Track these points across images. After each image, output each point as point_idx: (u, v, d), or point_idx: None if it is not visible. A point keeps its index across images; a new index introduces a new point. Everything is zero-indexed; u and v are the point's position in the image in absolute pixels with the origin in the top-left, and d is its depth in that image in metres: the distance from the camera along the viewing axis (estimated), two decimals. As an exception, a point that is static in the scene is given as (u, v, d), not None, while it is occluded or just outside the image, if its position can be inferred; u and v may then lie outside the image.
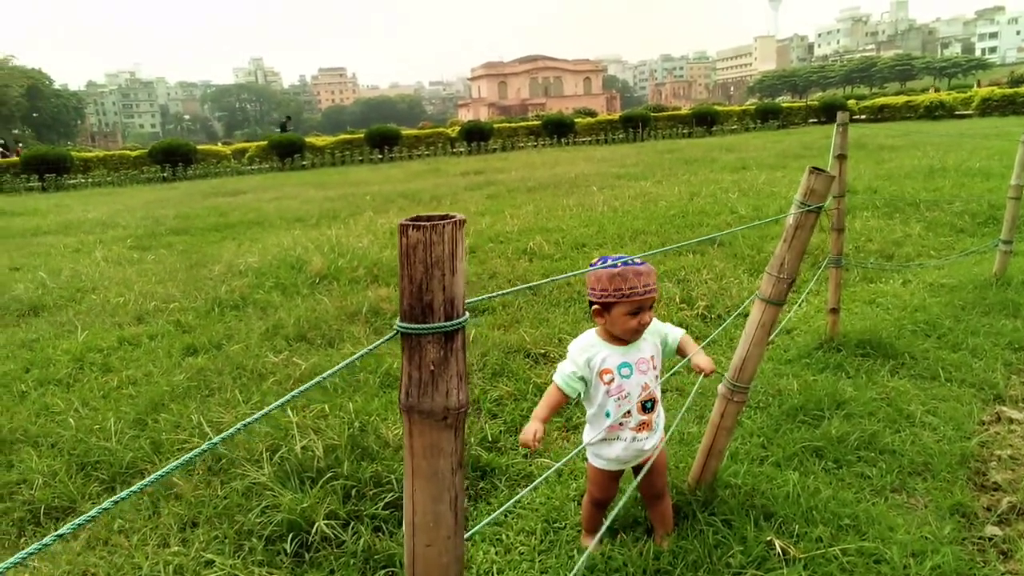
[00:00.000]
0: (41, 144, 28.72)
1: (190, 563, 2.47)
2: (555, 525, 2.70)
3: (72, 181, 23.28)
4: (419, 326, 0.93)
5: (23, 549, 2.65)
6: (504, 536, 2.67)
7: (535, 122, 34.94)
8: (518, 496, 2.59)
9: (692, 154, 19.49)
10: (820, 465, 2.98)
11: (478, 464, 3.12)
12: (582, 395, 2.29)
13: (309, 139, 29.97)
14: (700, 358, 2.30)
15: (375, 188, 15.19)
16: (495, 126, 32.84)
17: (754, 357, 2.55)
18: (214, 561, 2.43)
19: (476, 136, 30.40)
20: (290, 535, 2.52)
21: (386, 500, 2.71)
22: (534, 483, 2.14)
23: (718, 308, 5.30)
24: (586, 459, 2.43)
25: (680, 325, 4.95)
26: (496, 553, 2.58)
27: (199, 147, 27.76)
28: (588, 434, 2.37)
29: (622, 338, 2.23)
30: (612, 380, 2.22)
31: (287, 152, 26.72)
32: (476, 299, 1.06)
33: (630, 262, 2.16)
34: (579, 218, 9.08)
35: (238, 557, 2.49)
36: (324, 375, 1.06)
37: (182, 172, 24.44)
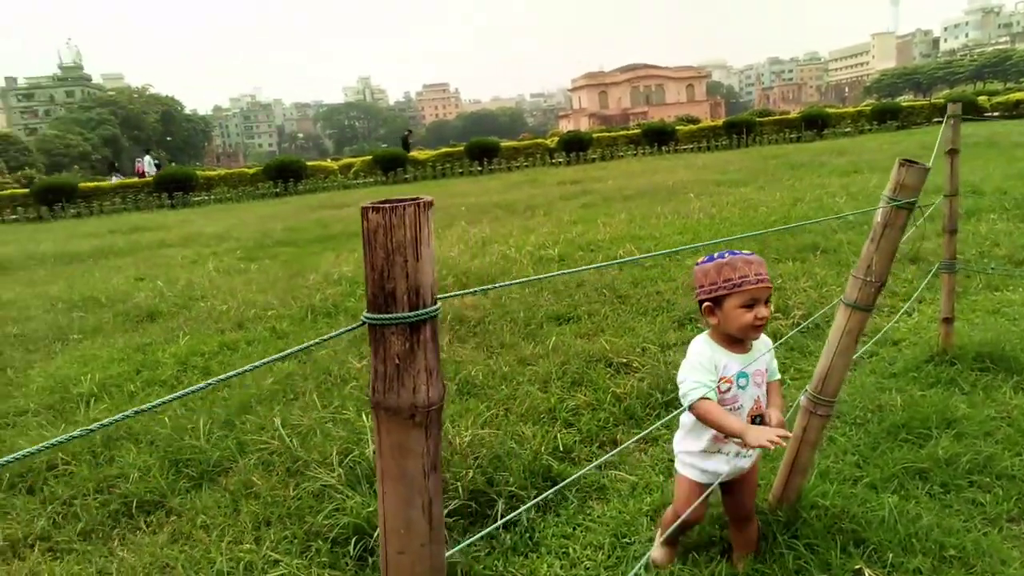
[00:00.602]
0: (173, 165, 30.97)
1: (259, 561, 2.52)
2: (624, 540, 2.59)
3: (197, 198, 24.99)
4: (382, 316, 0.87)
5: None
6: (571, 549, 2.59)
7: (635, 131, 34.48)
8: (522, 507, 2.49)
9: (799, 158, 18.62)
10: (924, 489, 2.71)
11: (549, 474, 3.04)
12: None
13: (411, 153, 30.80)
14: (775, 413, 2.11)
15: (471, 199, 15.39)
16: (594, 136, 32.64)
17: (839, 368, 2.35)
18: (280, 561, 2.47)
19: (575, 146, 30.30)
20: (354, 538, 2.53)
21: (449, 508, 2.68)
22: (541, 494, 2.04)
23: (816, 318, 4.98)
24: (676, 470, 2.28)
25: (774, 335, 4.71)
26: (561, 567, 2.49)
27: (309, 163, 29.10)
28: (687, 443, 2.21)
29: (738, 338, 2.07)
30: (729, 390, 2.06)
31: (390, 166, 27.58)
32: (449, 295, 1.00)
33: (717, 256, 2.05)
34: (674, 226, 8.83)
35: (305, 557, 2.52)
36: (272, 358, 1.02)
37: (293, 187, 25.71)
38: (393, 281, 0.86)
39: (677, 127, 33.74)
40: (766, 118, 36.35)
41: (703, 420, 2.01)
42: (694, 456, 2.18)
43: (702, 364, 2.05)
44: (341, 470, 2.95)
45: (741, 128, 32.19)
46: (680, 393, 2.04)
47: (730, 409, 2.06)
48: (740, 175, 15.23)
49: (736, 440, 2.07)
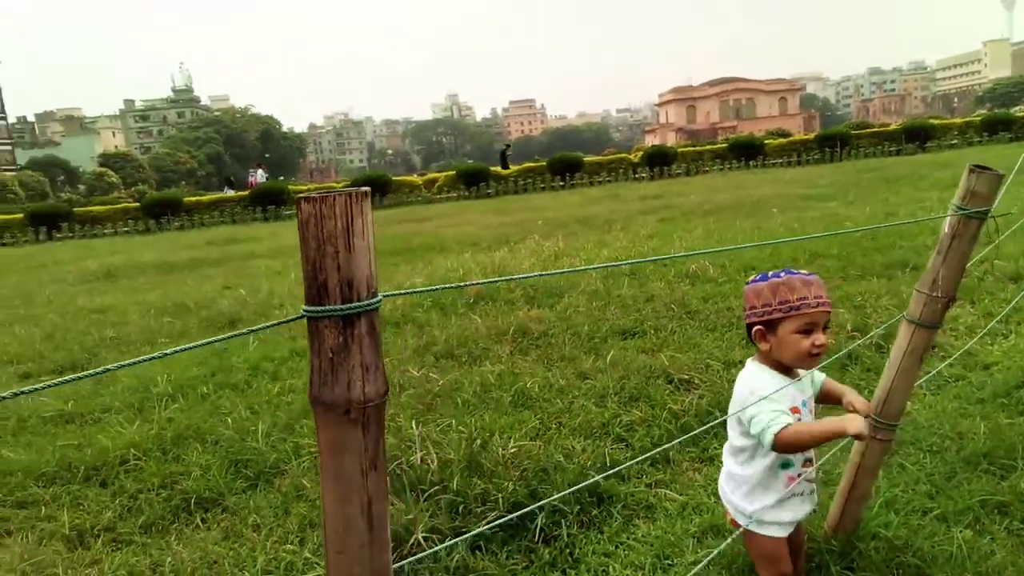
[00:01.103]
0: (270, 181, 32.52)
1: (299, 562, 2.56)
2: (666, 562, 2.48)
3: (288, 212, 26.09)
4: (315, 308, 0.86)
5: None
6: (611, 567, 2.51)
7: (721, 145, 33.72)
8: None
9: (896, 172, 17.72)
10: (1002, 524, 2.49)
11: (596, 490, 2.96)
12: (751, 450, 1.93)
13: (494, 168, 31.17)
14: (855, 396, 1.94)
15: (550, 214, 15.40)
16: (679, 150, 32.13)
17: (901, 389, 2.18)
18: (318, 563, 2.50)
19: (658, 161, 29.90)
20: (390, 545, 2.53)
21: (489, 519, 2.64)
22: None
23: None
24: (750, 535, 1.99)
25: (851, 356, 4.46)
26: (599, 586, 2.41)
27: (394, 178, 29.94)
28: (758, 499, 1.94)
29: (791, 366, 1.90)
30: (799, 420, 1.85)
31: (473, 181, 27.99)
32: (395, 292, 0.98)
33: (772, 275, 1.89)
34: (752, 240, 8.54)
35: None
36: (197, 344, 1.01)
37: (378, 201, 26.47)
38: (324, 273, 0.85)
39: (766, 141, 32.78)
40: (863, 131, 34.83)
41: (794, 448, 1.79)
42: (770, 511, 1.94)
43: (763, 393, 1.84)
44: (387, 477, 2.96)
45: (835, 141, 30.93)
46: (754, 433, 1.81)
47: None
48: (829, 190, 14.62)
49: (810, 477, 1.94)
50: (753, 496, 1.96)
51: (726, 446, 2.05)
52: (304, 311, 0.88)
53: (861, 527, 2.40)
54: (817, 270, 7.27)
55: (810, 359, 1.86)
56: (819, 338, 1.83)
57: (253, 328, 1.01)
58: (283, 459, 3.45)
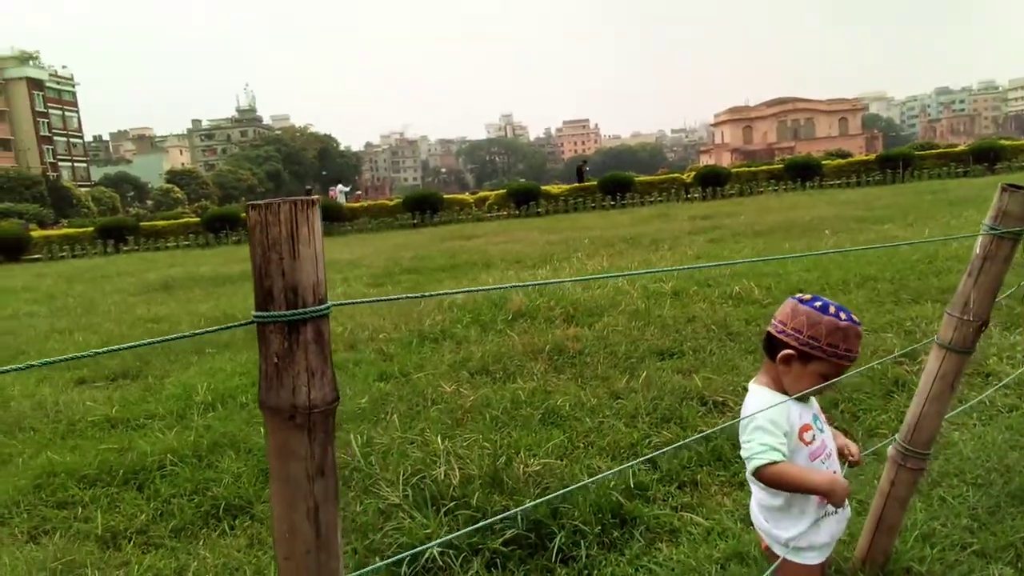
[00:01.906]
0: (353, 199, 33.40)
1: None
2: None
3: (341, 228, 26.68)
4: (262, 314, 0.87)
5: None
6: (630, 593, 2.45)
7: (777, 165, 33.11)
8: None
9: (961, 194, 17.10)
10: (1046, 563, 2.34)
11: (619, 511, 2.91)
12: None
13: (545, 187, 31.27)
14: (849, 441, 1.92)
15: (597, 233, 15.34)
16: (733, 171, 31.68)
17: (931, 416, 2.09)
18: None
19: (711, 181, 29.52)
20: (406, 559, 2.53)
21: (506, 536, 2.62)
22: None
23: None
24: (787, 562, 1.87)
25: (897, 383, 4.29)
26: (615, 610, 2.36)
27: (446, 196, 30.30)
28: (791, 525, 1.86)
29: (789, 394, 1.84)
30: (814, 437, 1.82)
31: (523, 200, 28.11)
32: (344, 303, 0.97)
33: (834, 311, 1.78)
34: (802, 262, 8.33)
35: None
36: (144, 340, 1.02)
37: (429, 219, 26.82)
38: (270, 279, 0.86)
39: (823, 161, 32.05)
40: (928, 151, 33.77)
41: (778, 485, 1.75)
42: (806, 535, 1.84)
43: (775, 423, 1.76)
44: (409, 490, 2.98)
45: (897, 162, 30.05)
46: (743, 457, 1.78)
47: (823, 458, 1.83)
48: (887, 212, 14.19)
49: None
50: (785, 521, 1.87)
51: (748, 475, 1.97)
52: (253, 316, 0.89)
53: (893, 560, 2.29)
54: (868, 293, 7.05)
55: (804, 399, 1.85)
56: (830, 387, 1.83)
57: (196, 332, 1.03)
58: (312, 469, 3.49)
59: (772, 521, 1.90)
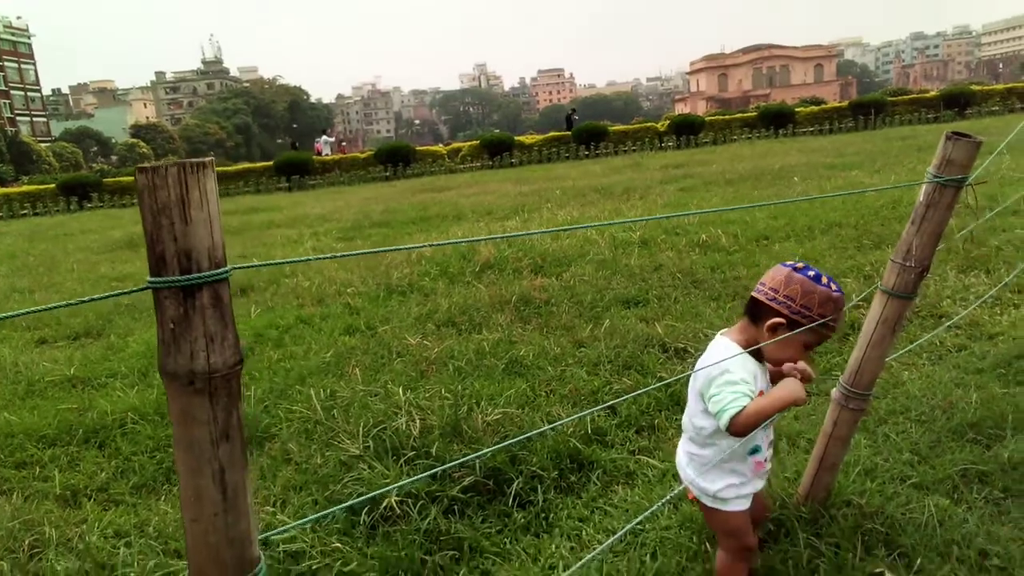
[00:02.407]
0: (294, 151, 32.64)
1: (277, 523, 2.61)
2: (639, 527, 2.48)
3: (312, 182, 26.25)
4: (156, 280, 0.86)
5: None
6: (584, 532, 2.52)
7: (751, 113, 33.01)
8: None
9: (929, 140, 17.22)
10: (981, 493, 2.44)
11: (577, 456, 2.97)
12: (716, 429, 1.84)
13: (518, 137, 30.93)
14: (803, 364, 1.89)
15: (569, 183, 15.26)
16: (707, 119, 31.53)
17: (873, 359, 2.14)
18: (288, 522, 2.55)
19: (685, 130, 29.40)
20: (368, 507, 2.57)
21: (464, 483, 2.66)
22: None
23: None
24: (721, 510, 1.91)
25: (852, 325, 4.37)
26: (569, 548, 2.43)
27: (419, 148, 29.86)
28: (722, 480, 1.88)
29: (766, 360, 1.85)
30: None
31: (497, 150, 27.82)
32: (244, 266, 0.96)
33: (826, 281, 1.79)
34: (768, 210, 8.38)
35: (320, 523, 2.58)
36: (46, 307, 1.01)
37: (402, 171, 26.48)
38: (162, 244, 0.84)
39: (797, 109, 32.00)
40: (899, 97, 33.84)
41: (751, 426, 1.70)
42: (739, 487, 1.90)
43: (746, 382, 1.75)
44: (370, 441, 3.00)
45: (869, 109, 30.13)
46: (712, 412, 1.76)
47: (766, 428, 1.87)
48: (856, 158, 14.27)
49: (771, 458, 1.94)
50: (714, 475, 1.88)
51: (686, 421, 1.97)
52: (148, 282, 0.88)
53: (835, 494, 2.37)
54: (832, 239, 7.12)
55: (779, 366, 1.83)
56: (807, 358, 1.81)
57: (83, 299, 1.00)
58: (275, 424, 3.51)
59: (699, 473, 1.91)
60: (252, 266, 1.13)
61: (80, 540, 2.61)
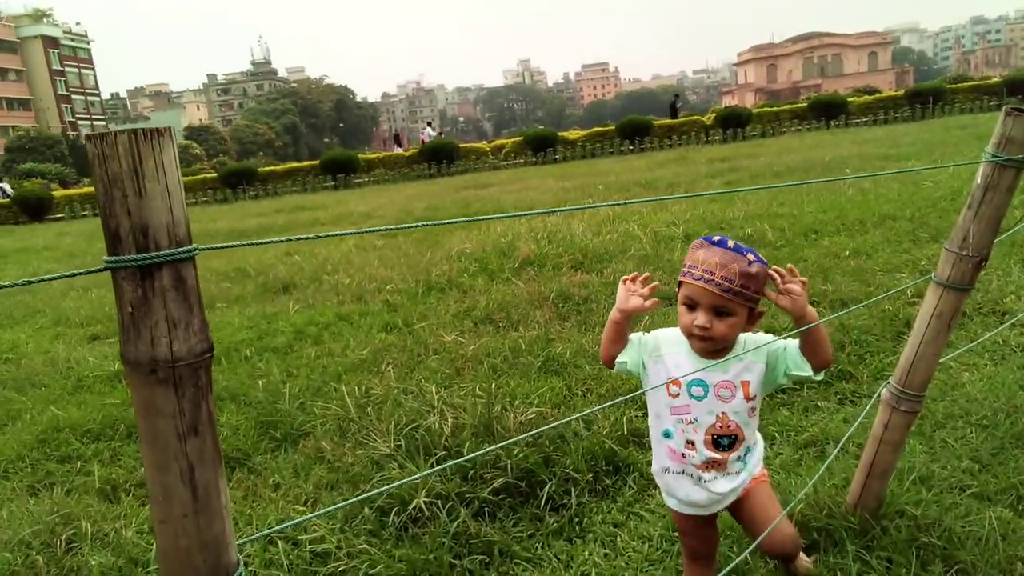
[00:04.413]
0: (342, 149, 33.11)
1: (309, 523, 2.59)
2: (675, 533, 2.38)
3: (358, 180, 26.56)
4: (112, 259, 0.80)
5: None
6: (618, 538, 2.43)
7: (801, 104, 32.17)
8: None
9: (990, 128, 16.38)
10: (1048, 506, 2.27)
11: (613, 459, 2.88)
12: (641, 377, 1.80)
13: (562, 133, 30.73)
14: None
15: (612, 178, 15.07)
16: (755, 111, 30.84)
17: (928, 357, 2.00)
18: (322, 525, 2.52)
19: (732, 123, 28.76)
20: (393, 509, 2.52)
21: (495, 485, 2.60)
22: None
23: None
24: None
25: (907, 323, 4.16)
26: (601, 555, 2.34)
27: (462, 145, 29.95)
28: (656, 459, 1.86)
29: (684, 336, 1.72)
30: (678, 395, 1.73)
31: (540, 147, 27.70)
32: (211, 247, 0.90)
33: (718, 239, 1.64)
34: (818, 203, 8.11)
35: (350, 523, 2.55)
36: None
37: (446, 169, 26.57)
38: (115, 219, 0.78)
39: (849, 99, 31.07)
40: (959, 84, 32.59)
41: (603, 343, 1.81)
42: (661, 479, 1.84)
43: (641, 341, 1.77)
44: (402, 440, 2.96)
45: (926, 97, 29.04)
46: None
47: (680, 419, 1.73)
48: (912, 149, 13.75)
49: (697, 463, 1.73)
50: (654, 453, 1.86)
51: None
52: (104, 261, 0.82)
53: (888, 504, 2.23)
54: (886, 233, 6.85)
55: (694, 339, 1.68)
56: (699, 317, 1.62)
57: (48, 277, 0.96)
58: (310, 421, 3.50)
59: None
60: (217, 247, 1.06)
61: (116, 535, 2.63)
